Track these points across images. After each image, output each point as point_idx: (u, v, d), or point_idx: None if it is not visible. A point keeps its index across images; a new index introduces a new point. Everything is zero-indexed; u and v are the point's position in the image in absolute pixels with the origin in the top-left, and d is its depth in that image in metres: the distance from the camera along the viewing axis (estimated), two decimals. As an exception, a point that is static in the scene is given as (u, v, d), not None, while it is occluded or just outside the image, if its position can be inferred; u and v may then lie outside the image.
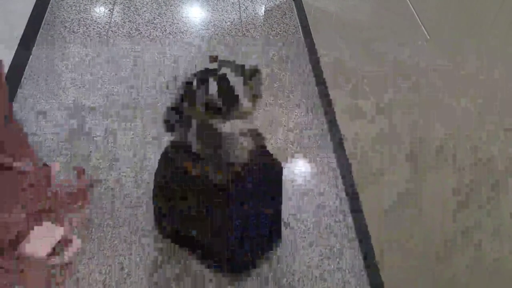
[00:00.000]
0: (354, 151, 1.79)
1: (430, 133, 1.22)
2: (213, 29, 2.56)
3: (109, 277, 1.53)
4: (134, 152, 1.89)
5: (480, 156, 1.02)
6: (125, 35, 2.46)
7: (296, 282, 1.56)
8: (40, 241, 1.50)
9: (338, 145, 1.93)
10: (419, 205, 1.26)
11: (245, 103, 1.27)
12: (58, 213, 1.61)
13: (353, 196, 1.76)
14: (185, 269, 1.56)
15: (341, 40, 1.97)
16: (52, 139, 1.91)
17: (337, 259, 1.64)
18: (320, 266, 1.61)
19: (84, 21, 2.53)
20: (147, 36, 2.47)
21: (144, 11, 2.64)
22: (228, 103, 1.25)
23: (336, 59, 2.05)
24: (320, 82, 2.21)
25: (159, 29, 2.52)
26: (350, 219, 1.74)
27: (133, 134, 1.96)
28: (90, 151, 1.88)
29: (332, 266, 1.61)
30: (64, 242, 1.54)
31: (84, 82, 2.18)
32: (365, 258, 1.63)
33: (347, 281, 1.58)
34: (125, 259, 1.57)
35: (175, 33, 2.52)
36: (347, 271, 1.61)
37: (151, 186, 1.58)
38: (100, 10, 2.63)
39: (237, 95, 1.25)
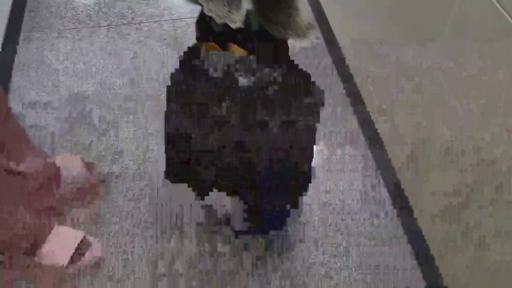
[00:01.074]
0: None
1: (434, 133, 1.27)
2: (211, 0, 2.56)
3: (112, 273, 1.60)
4: (137, 145, 1.96)
5: (482, 156, 1.07)
6: (117, 16, 2.46)
7: (300, 280, 1.62)
8: (58, 247, 1.51)
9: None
10: (420, 205, 1.32)
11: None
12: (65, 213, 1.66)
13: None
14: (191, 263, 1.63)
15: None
16: (52, 132, 1.99)
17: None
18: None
19: (71, 4, 2.51)
20: (141, 14, 2.46)
21: (135, -13, 2.64)
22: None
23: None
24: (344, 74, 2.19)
25: (152, 6, 2.51)
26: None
27: (134, 124, 2.03)
28: (91, 141, 1.96)
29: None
30: (84, 248, 1.56)
31: (77, 70, 2.21)
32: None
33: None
34: (127, 254, 1.65)
35: (170, 8, 2.51)
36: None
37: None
38: (86, -10, 2.61)
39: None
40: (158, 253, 1.66)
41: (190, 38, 2.24)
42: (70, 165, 1.71)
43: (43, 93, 2.12)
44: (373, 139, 1.79)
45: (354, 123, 2.00)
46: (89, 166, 1.78)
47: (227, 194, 1.41)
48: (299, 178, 1.41)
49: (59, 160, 1.71)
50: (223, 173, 1.37)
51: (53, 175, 1.64)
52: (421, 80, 1.31)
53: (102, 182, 1.82)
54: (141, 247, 1.67)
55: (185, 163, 1.42)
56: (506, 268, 1.04)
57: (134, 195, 1.80)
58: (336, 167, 1.92)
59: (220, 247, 1.68)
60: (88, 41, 2.35)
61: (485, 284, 1.11)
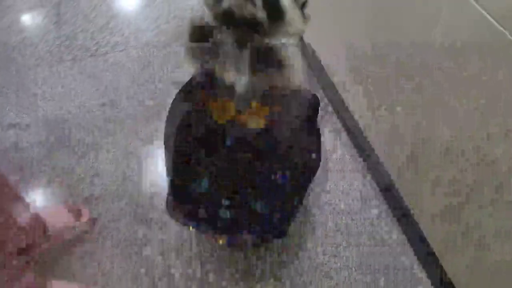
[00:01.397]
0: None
1: (434, 133, 1.27)
2: (174, 22, 2.47)
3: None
4: (116, 165, 1.94)
5: (482, 157, 1.07)
6: (80, 48, 2.36)
7: (300, 280, 1.62)
8: None
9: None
10: (420, 205, 1.32)
11: (295, 18, 1.19)
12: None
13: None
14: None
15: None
16: (31, 156, 1.97)
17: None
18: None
19: (29, 40, 2.41)
20: (105, 44, 2.38)
21: (94, 16, 2.54)
22: (273, 16, 1.15)
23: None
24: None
25: (116, 34, 2.43)
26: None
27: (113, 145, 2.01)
28: (71, 166, 1.93)
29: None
30: None
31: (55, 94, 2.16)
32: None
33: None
34: (106, 275, 1.64)
35: (136, 33, 2.43)
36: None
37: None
38: (43, 25, 2.50)
39: (284, 8, 1.16)
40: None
41: (160, 63, 2.24)
42: (55, 218, 1.65)
43: (24, 115, 2.07)
44: (373, 139, 1.80)
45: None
46: (76, 213, 1.73)
47: (227, 194, 1.42)
48: (299, 178, 1.42)
49: (45, 213, 1.63)
50: (223, 173, 1.37)
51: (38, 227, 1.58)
52: (421, 80, 1.32)
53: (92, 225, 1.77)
54: (121, 267, 1.64)
55: (185, 163, 1.43)
56: (506, 268, 1.05)
57: (113, 215, 1.78)
58: (336, 167, 1.93)
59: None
60: (52, 77, 2.23)
61: (485, 284, 1.11)
